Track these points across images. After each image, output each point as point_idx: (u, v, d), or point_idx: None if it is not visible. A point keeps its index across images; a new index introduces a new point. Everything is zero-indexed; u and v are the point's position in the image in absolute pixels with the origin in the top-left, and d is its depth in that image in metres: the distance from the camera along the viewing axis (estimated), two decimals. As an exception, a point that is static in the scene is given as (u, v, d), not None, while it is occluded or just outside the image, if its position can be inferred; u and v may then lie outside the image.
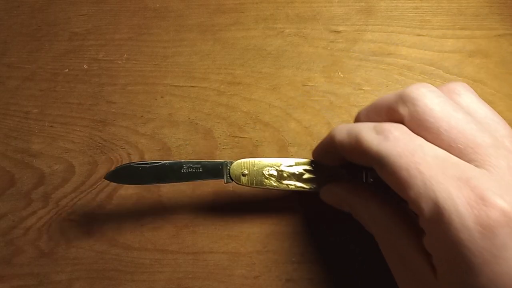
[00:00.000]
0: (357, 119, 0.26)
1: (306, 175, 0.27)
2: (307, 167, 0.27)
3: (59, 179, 0.33)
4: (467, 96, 0.24)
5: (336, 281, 0.29)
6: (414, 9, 0.37)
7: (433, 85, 0.23)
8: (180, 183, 0.29)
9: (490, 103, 0.33)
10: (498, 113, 0.33)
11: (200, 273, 0.30)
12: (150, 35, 0.37)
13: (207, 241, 0.31)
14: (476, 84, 0.33)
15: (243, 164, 0.27)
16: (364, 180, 0.27)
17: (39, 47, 0.37)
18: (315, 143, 0.32)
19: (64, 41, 0.37)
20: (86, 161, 0.33)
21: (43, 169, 0.33)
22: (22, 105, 0.35)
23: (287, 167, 0.27)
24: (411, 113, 0.22)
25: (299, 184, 0.27)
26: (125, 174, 0.26)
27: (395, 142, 0.21)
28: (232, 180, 0.26)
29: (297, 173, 0.27)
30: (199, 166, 0.26)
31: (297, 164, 0.27)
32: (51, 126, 0.34)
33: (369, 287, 0.29)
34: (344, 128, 0.24)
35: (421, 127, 0.22)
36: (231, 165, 0.26)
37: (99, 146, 0.33)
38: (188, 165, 0.26)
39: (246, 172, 0.27)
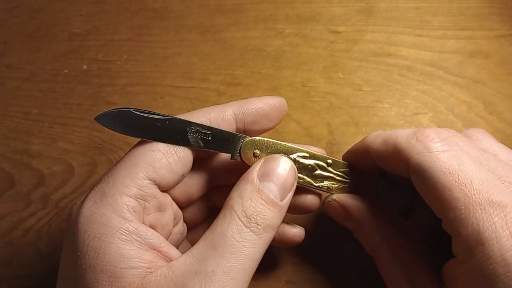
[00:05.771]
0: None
1: (318, 172, 0.24)
2: (321, 163, 0.24)
3: (59, 180, 0.32)
4: (486, 141, 0.23)
5: (336, 282, 0.29)
6: (414, 9, 0.37)
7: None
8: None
9: (490, 104, 0.33)
10: (499, 114, 0.33)
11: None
12: (150, 36, 0.37)
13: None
14: (476, 85, 0.33)
15: (257, 142, 0.23)
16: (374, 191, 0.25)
17: (38, 48, 0.37)
18: (315, 144, 0.32)
19: (64, 41, 0.37)
20: (85, 162, 0.33)
21: (43, 170, 0.33)
22: (21, 105, 0.35)
23: (301, 158, 0.24)
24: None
25: (307, 179, 0.24)
26: (120, 119, 0.22)
27: (438, 154, 0.20)
28: (241, 158, 0.23)
29: (309, 166, 0.24)
30: (209, 132, 0.23)
31: (312, 156, 0.24)
32: (50, 127, 0.34)
33: (369, 289, 0.29)
34: (380, 135, 0.23)
35: None
36: (244, 140, 0.23)
37: (98, 147, 0.33)
38: (197, 128, 0.23)
39: (258, 153, 0.23)
